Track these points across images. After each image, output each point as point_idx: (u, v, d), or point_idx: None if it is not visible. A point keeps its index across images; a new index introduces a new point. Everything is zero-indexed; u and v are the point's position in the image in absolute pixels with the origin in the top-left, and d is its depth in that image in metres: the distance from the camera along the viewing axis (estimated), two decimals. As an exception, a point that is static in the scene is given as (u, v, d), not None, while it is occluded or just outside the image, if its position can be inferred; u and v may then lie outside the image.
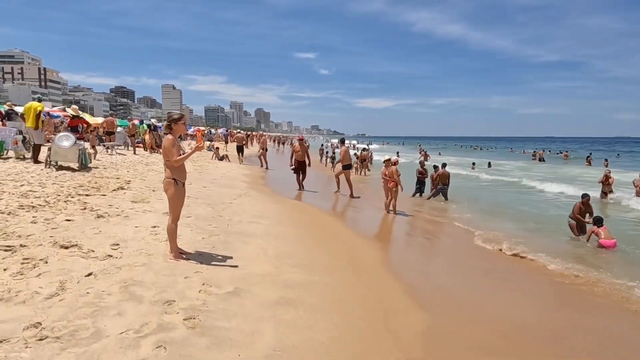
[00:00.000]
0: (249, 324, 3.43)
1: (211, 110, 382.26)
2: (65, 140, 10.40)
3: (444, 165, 14.00)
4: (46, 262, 4.09)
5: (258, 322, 3.50)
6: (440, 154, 45.36)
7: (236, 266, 4.82)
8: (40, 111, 10.64)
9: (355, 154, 24.26)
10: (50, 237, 4.89)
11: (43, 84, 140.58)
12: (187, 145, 26.36)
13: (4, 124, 13.50)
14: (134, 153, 17.91)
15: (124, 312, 3.26)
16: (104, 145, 17.04)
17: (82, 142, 11.53)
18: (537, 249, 7.39)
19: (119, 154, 16.90)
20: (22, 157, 11.44)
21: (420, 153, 42.69)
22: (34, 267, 3.93)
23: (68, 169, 10.40)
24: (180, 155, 4.62)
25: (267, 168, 19.80)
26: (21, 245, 4.47)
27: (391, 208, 10.52)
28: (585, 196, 9.33)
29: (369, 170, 22.00)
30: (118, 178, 10.17)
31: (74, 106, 16.50)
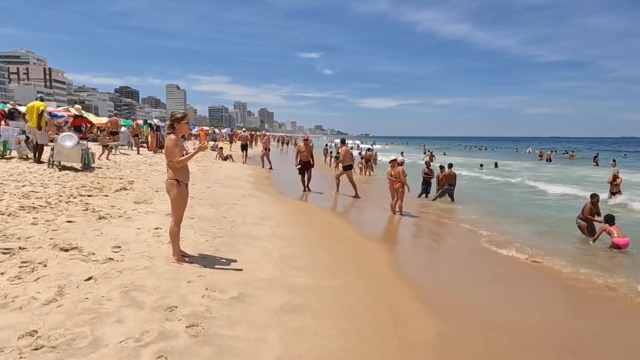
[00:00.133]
0: (254, 332, 3.29)
1: (215, 110, 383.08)
2: (68, 140, 10.31)
3: (450, 165, 13.80)
4: (45, 266, 3.97)
5: (263, 329, 3.36)
6: (445, 154, 45.07)
7: (240, 270, 4.68)
8: (42, 111, 10.56)
9: (359, 153, 24.07)
10: (50, 239, 4.77)
11: (48, 84, 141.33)
12: (191, 145, 26.27)
13: (7, 124, 13.45)
14: (138, 153, 17.84)
15: (124, 319, 3.13)
16: (102, 144, 16.91)
17: (85, 142, 11.43)
18: (548, 251, 7.21)
19: (123, 154, 16.83)
20: (25, 157, 11.36)
21: (425, 153, 42.47)
22: (33, 271, 3.81)
23: (71, 169, 10.32)
24: (183, 155, 4.49)
25: (270, 168, 19.67)
26: (20, 248, 4.35)
27: (397, 209, 10.35)
28: (594, 196, 9.15)
29: (373, 170, 21.84)
30: (121, 178, 10.07)
31: (77, 106, 16.43)
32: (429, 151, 39.35)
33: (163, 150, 5.75)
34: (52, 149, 10.34)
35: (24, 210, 5.91)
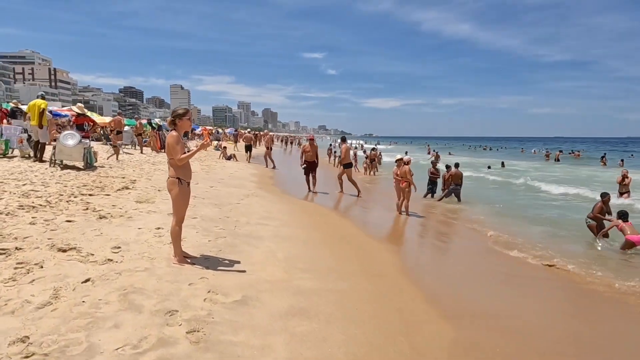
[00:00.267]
0: (258, 338, 3.12)
1: (219, 110, 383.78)
2: (70, 138, 10.19)
3: (456, 165, 13.58)
4: (41, 267, 3.82)
5: (268, 335, 3.19)
6: (450, 153, 44.74)
7: (244, 271, 4.52)
8: (44, 109, 10.44)
9: (364, 151, 23.82)
10: (49, 239, 4.63)
11: (53, 84, 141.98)
12: (194, 145, 26.15)
13: (9, 123, 13.36)
14: (141, 152, 17.75)
15: (121, 324, 2.97)
16: (111, 144, 16.84)
17: (88, 141, 11.31)
18: (559, 253, 7.01)
19: (126, 153, 16.72)
20: (27, 155, 11.27)
21: (429, 153, 42.16)
22: (28, 273, 3.66)
23: (73, 168, 10.20)
24: (185, 153, 4.33)
25: (274, 167, 19.52)
26: (16, 248, 4.21)
27: (403, 209, 10.17)
28: (605, 195, 8.94)
29: (377, 170, 21.65)
30: (123, 177, 9.94)
31: (79, 104, 16.32)
32: (434, 151, 39.08)
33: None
34: (54, 148, 10.23)
35: (22, 209, 5.77)
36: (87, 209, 6.30)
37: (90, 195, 7.36)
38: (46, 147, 11.05)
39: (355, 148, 31.23)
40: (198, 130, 42.10)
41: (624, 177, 14.33)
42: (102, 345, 2.67)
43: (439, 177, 13.91)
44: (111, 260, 4.22)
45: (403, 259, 6.55)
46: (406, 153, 30.54)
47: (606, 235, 8.36)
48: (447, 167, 13.74)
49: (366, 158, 21.66)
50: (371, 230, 8.55)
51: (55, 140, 11.23)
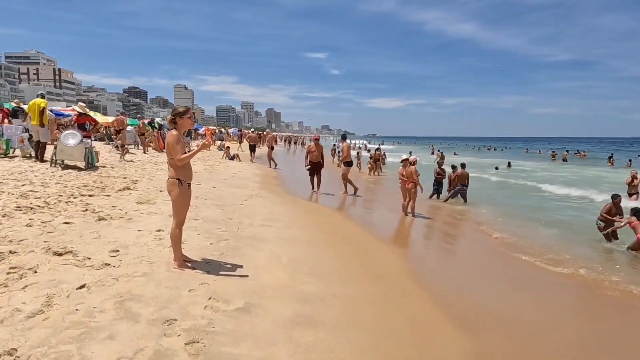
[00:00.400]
0: (261, 349, 2.94)
1: (222, 111, 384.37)
2: (71, 138, 10.06)
3: (463, 165, 13.36)
4: (35, 272, 3.66)
5: (272, 346, 3.01)
6: (455, 153, 44.41)
7: (246, 276, 4.34)
8: (44, 107, 10.31)
9: (368, 151, 23.56)
10: (45, 242, 4.47)
11: (58, 84, 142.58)
12: (196, 145, 26.04)
13: (10, 122, 13.26)
14: (144, 152, 17.63)
15: (116, 335, 2.79)
16: (114, 144, 16.77)
17: (89, 140, 11.18)
18: (570, 256, 6.82)
19: (128, 152, 16.58)
20: (28, 155, 11.14)
21: (432, 153, 41.87)
22: (21, 278, 3.50)
23: (74, 168, 10.07)
24: (186, 153, 4.15)
25: (275, 167, 19.39)
26: (10, 252, 4.05)
27: (409, 210, 9.96)
28: (616, 197, 8.74)
29: (382, 170, 21.44)
30: (125, 177, 9.79)
31: (80, 103, 16.20)
32: (438, 151, 38.76)
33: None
34: (55, 147, 10.10)
35: (20, 210, 5.62)
36: (86, 210, 6.14)
37: (90, 196, 7.21)
38: (47, 146, 10.91)
39: (359, 148, 30.92)
40: (201, 130, 42.02)
41: (634, 178, 14.09)
42: (95, 358, 2.50)
43: (445, 178, 13.69)
44: (108, 264, 4.05)
45: (410, 261, 6.35)
46: (410, 153, 30.30)
47: (616, 237, 8.16)
48: (453, 167, 13.52)
49: (370, 158, 21.45)
50: (377, 232, 8.36)
51: (56, 139, 11.11)
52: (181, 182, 4.12)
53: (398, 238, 8.40)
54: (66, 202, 6.48)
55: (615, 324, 4.58)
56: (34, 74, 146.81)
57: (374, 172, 20.55)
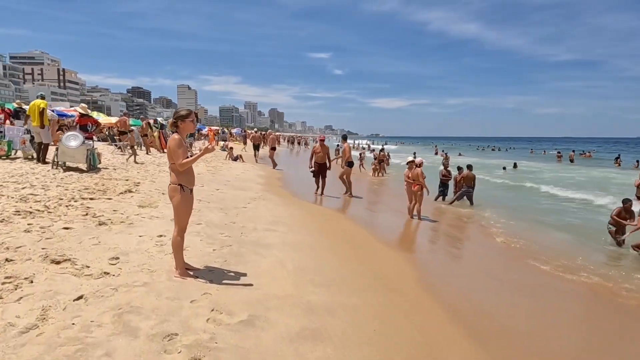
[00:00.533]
0: (267, 367, 2.78)
1: (226, 111, 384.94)
2: (73, 139, 9.95)
3: (469, 166, 13.15)
4: (31, 282, 3.52)
5: (278, 363, 2.85)
6: (460, 154, 44.10)
7: (251, 285, 4.19)
8: (44, 108, 10.19)
9: (372, 151, 23.36)
10: (42, 249, 4.33)
11: (62, 84, 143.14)
12: (201, 145, 25.95)
13: (12, 123, 13.17)
14: (147, 153, 17.52)
15: (113, 352, 2.64)
16: (117, 145, 16.68)
17: (91, 142, 11.06)
18: (584, 262, 6.62)
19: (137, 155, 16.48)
20: (30, 157, 11.05)
21: (436, 154, 41.60)
22: (16, 289, 3.36)
23: (76, 169, 9.96)
24: (188, 157, 3.99)
25: (274, 167, 19.28)
26: (7, 260, 3.91)
27: (415, 213, 9.79)
28: (627, 201, 8.55)
29: (385, 172, 21.25)
30: (127, 180, 9.67)
31: (82, 104, 16.09)
32: (442, 151, 38.49)
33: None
34: (57, 149, 9.99)
35: (19, 215, 5.49)
36: (86, 214, 6.01)
37: (91, 199, 7.08)
38: (49, 148, 10.81)
39: (363, 149, 30.65)
40: (204, 131, 41.96)
41: (643, 179, 13.82)
42: (90, 380, 2.36)
43: (450, 179, 13.49)
44: (108, 273, 3.91)
45: (418, 268, 6.18)
46: (414, 154, 30.09)
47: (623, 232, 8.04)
48: (459, 168, 13.32)
49: (374, 159, 21.26)
50: (383, 236, 8.18)
51: (59, 140, 10.99)
52: (183, 187, 3.97)
53: (404, 242, 8.23)
54: (66, 206, 6.35)
55: (636, 334, 4.39)
56: (38, 74, 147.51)
57: (378, 173, 20.37)
